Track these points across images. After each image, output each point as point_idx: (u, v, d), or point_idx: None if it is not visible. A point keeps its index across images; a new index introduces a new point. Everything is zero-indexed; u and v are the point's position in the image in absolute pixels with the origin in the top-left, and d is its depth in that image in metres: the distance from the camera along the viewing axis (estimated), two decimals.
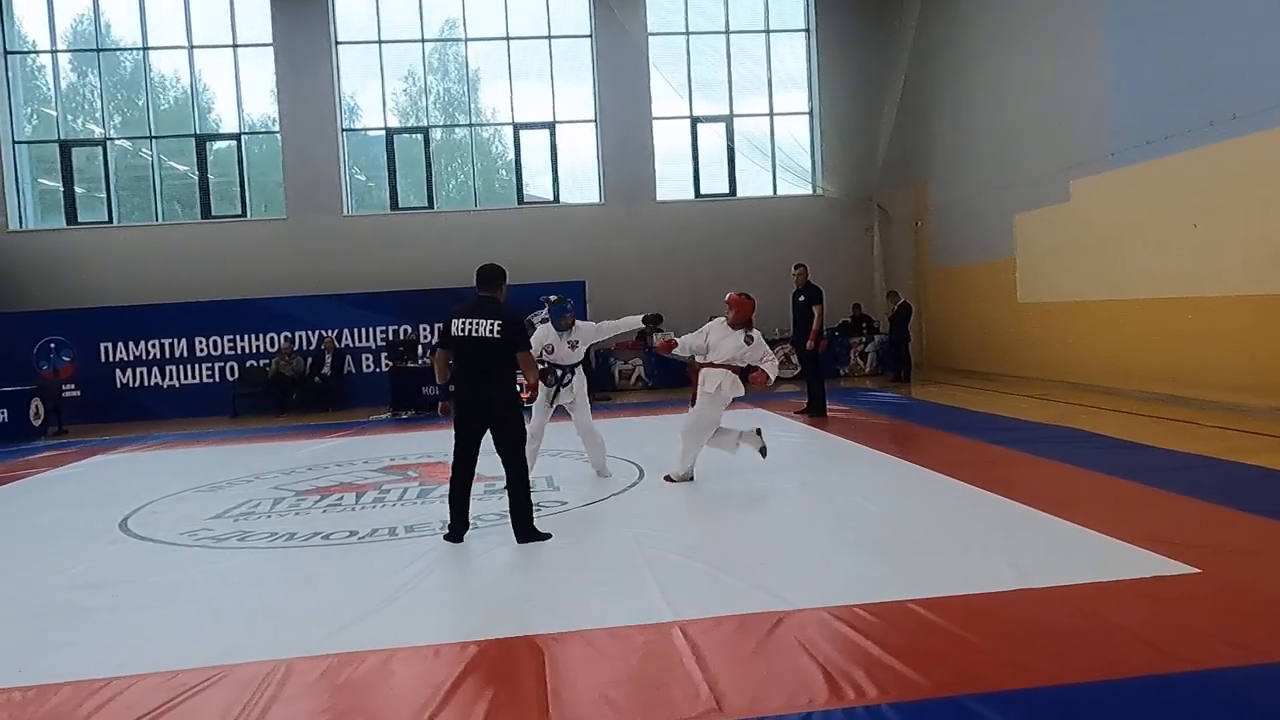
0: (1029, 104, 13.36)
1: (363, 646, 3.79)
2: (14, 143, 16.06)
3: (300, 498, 7.33)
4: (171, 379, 15.05)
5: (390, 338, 15.06)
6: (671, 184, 17.40)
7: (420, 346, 14.60)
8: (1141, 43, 10.87)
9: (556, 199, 17.31)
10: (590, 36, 17.01)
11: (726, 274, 15.95)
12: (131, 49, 16.66)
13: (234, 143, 16.76)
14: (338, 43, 16.65)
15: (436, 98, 17.30)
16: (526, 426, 5.69)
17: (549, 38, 17.00)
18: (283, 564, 5.49)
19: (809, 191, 17.56)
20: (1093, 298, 11.96)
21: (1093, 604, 3.88)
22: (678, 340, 7.20)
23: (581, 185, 17.48)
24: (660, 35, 17.11)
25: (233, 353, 15.16)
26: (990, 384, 13.63)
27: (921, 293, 17.03)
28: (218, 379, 15.10)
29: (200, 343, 15.08)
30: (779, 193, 17.55)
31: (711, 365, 6.90)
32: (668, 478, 7.08)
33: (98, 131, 16.60)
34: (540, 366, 6.72)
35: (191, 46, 16.51)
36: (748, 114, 17.42)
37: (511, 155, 17.44)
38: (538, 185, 17.39)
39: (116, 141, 16.73)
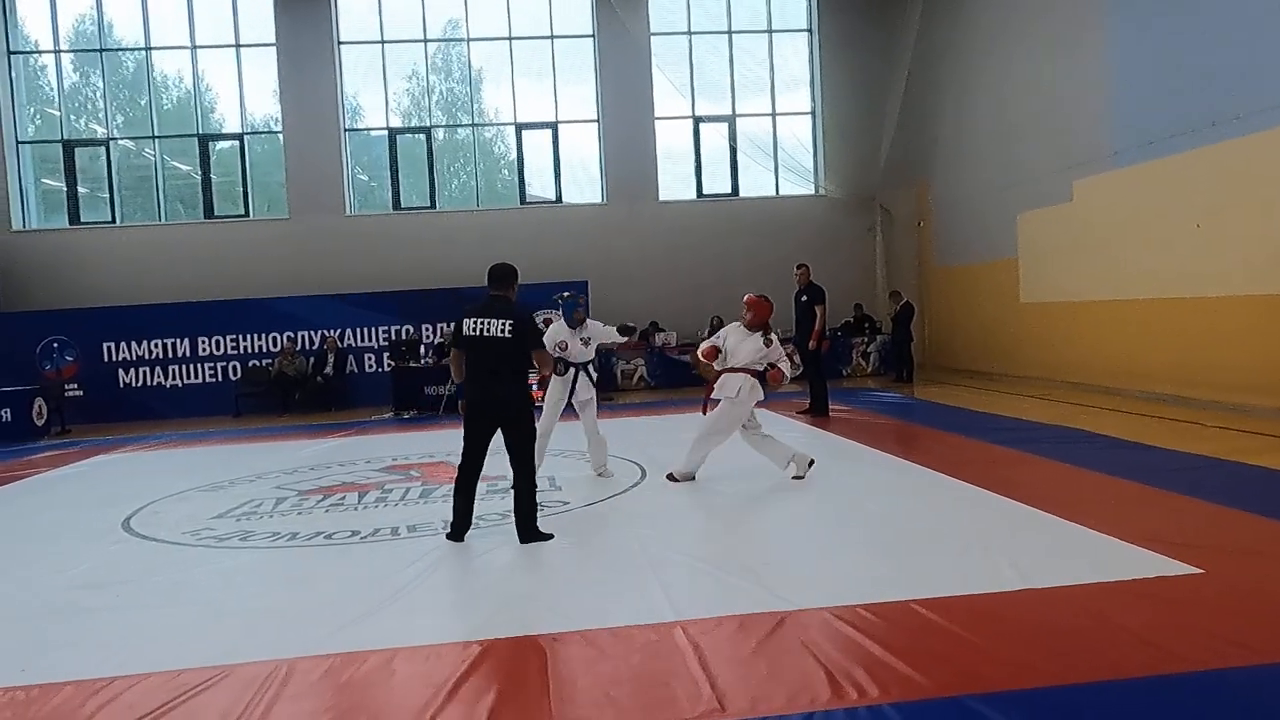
0: (1031, 104, 13.35)
1: (365, 646, 3.79)
2: (17, 143, 16.09)
3: (302, 497, 7.33)
4: (174, 379, 15.07)
5: (392, 337, 15.07)
6: (674, 184, 17.41)
7: (422, 346, 14.63)
8: (1144, 42, 10.86)
9: (559, 199, 17.31)
10: (592, 36, 17.01)
11: (729, 274, 16.02)
12: (134, 49, 16.67)
13: (237, 143, 16.78)
14: (340, 43, 16.67)
15: (439, 98, 17.31)
16: (537, 425, 5.70)
17: (551, 38, 17.00)
18: (285, 564, 5.49)
19: (811, 191, 17.56)
20: (1095, 298, 11.95)
21: (1095, 604, 3.87)
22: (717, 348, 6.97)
23: (584, 185, 17.49)
24: (662, 35, 17.11)
25: (235, 352, 15.18)
26: (992, 384, 13.62)
27: (924, 293, 17.02)
28: (220, 379, 15.11)
29: (203, 342, 15.09)
30: (781, 193, 17.54)
31: (730, 370, 6.81)
32: (670, 476, 7.07)
33: (101, 131, 16.62)
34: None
35: (194, 46, 16.53)
36: (750, 114, 17.41)
37: (514, 155, 17.44)
38: (540, 185, 17.39)
39: (119, 141, 16.74)
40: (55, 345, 14.82)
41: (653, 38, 16.96)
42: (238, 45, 16.55)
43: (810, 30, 17.48)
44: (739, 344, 6.85)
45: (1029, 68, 13.38)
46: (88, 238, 16.26)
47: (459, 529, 5.54)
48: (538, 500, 5.59)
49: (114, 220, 16.47)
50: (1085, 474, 6.66)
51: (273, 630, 4.13)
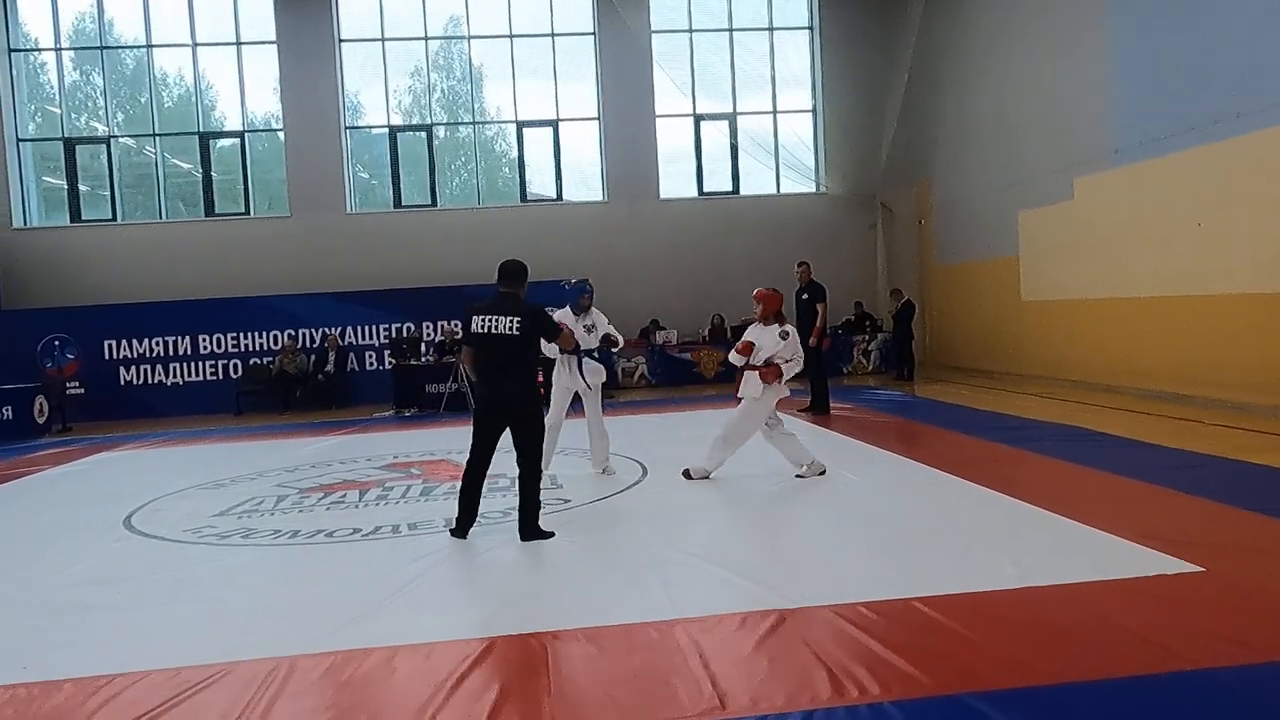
0: (1032, 102, 13.33)
1: (366, 644, 3.79)
2: (18, 140, 16.09)
3: (303, 495, 7.34)
4: (175, 377, 15.08)
5: (393, 335, 15.07)
6: (675, 181, 17.40)
7: (423, 344, 14.63)
8: (1144, 40, 10.85)
9: (559, 197, 17.31)
10: (593, 34, 16.99)
11: (730, 272, 16.03)
12: (135, 47, 16.68)
13: (237, 140, 16.78)
14: (341, 40, 16.66)
15: (440, 95, 17.30)
16: (545, 421, 5.70)
17: (552, 35, 16.99)
18: (286, 561, 5.50)
19: (812, 189, 17.55)
20: (1096, 296, 11.94)
21: (1096, 602, 3.87)
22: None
23: (584, 183, 17.49)
24: (663, 33, 17.10)
25: (236, 350, 15.19)
26: (994, 382, 13.61)
27: (925, 291, 17.01)
28: (221, 377, 15.12)
29: (204, 340, 15.10)
30: (782, 190, 17.54)
31: (752, 367, 6.83)
32: (686, 473, 7.04)
33: (101, 129, 16.62)
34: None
35: (195, 44, 16.52)
36: (751, 111, 17.40)
37: (515, 153, 17.44)
38: (541, 183, 17.39)
39: (120, 139, 16.75)
40: (56, 343, 14.83)
41: (654, 35, 16.96)
42: (238, 43, 16.55)
43: (811, 28, 17.46)
44: (759, 338, 6.91)
45: (1030, 66, 13.36)
46: (88, 236, 16.26)
47: (463, 525, 5.55)
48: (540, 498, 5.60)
49: (115, 218, 16.47)
50: (1086, 472, 6.65)
51: (273, 628, 4.13)
